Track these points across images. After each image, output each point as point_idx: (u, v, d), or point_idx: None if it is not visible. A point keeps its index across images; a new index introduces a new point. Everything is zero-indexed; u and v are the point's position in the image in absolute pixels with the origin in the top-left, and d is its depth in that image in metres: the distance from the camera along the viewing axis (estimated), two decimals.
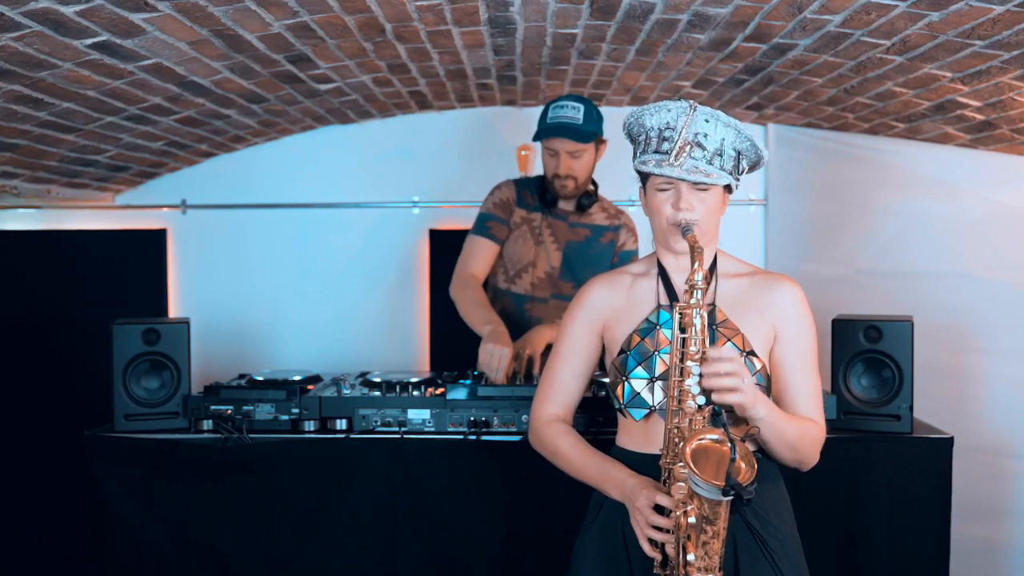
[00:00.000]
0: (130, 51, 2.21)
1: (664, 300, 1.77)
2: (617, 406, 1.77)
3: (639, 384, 1.73)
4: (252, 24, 2.21)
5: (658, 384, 1.71)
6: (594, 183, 2.90)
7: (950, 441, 2.32)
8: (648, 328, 1.76)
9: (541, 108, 3.73)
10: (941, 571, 2.31)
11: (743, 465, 1.47)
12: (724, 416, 1.53)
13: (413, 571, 2.35)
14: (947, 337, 3.08)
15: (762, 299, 1.76)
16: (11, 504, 3.59)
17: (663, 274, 1.79)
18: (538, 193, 2.88)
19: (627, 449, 1.79)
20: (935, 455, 2.31)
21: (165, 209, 3.78)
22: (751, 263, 1.85)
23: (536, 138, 2.78)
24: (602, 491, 1.75)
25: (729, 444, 1.47)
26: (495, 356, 2.46)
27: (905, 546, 2.30)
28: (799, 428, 1.70)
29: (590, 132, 2.74)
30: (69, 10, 1.88)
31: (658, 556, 1.61)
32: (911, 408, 2.33)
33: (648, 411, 1.72)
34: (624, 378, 1.74)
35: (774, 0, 2.14)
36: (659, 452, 1.65)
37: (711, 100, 3.31)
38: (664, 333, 1.74)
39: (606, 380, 1.85)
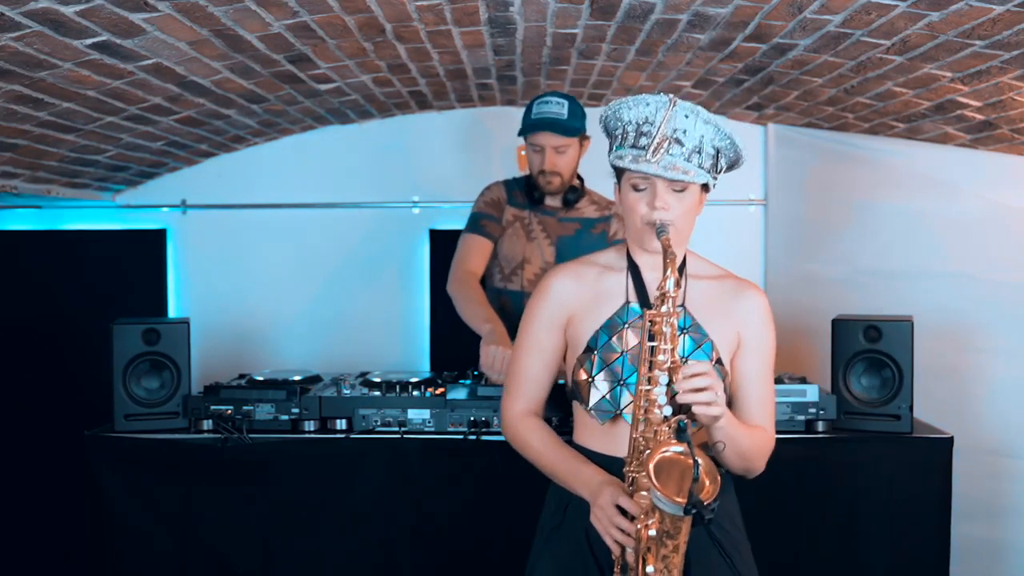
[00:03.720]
0: (130, 51, 2.21)
1: (632, 297, 1.73)
2: (584, 407, 1.73)
3: (605, 386, 1.69)
4: (252, 24, 2.21)
5: (625, 387, 1.68)
6: (580, 178, 2.92)
7: (950, 441, 2.32)
8: (616, 326, 1.72)
9: None
10: (941, 571, 2.31)
11: (707, 481, 1.46)
12: (689, 432, 1.51)
13: (413, 571, 2.35)
14: (947, 337, 3.08)
15: (730, 304, 1.74)
16: (11, 504, 3.59)
17: (634, 270, 1.75)
18: (525, 191, 2.90)
19: (588, 448, 1.76)
20: (935, 455, 2.31)
21: (165, 209, 3.78)
22: (719, 265, 1.82)
23: (521, 133, 2.79)
24: (570, 488, 1.72)
25: (692, 461, 1.46)
26: (497, 357, 2.46)
27: (905, 546, 2.30)
28: (752, 438, 1.68)
29: (574, 127, 2.76)
30: (69, 10, 1.88)
31: (617, 550, 1.59)
32: (911, 408, 2.33)
33: (614, 415, 1.69)
34: (590, 379, 1.70)
35: (774, 0, 2.14)
36: (622, 456, 1.63)
37: (711, 100, 3.31)
38: (631, 333, 1.70)
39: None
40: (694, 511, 1.42)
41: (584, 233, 2.91)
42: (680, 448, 1.51)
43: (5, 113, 2.45)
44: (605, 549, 1.62)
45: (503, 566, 2.34)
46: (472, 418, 2.35)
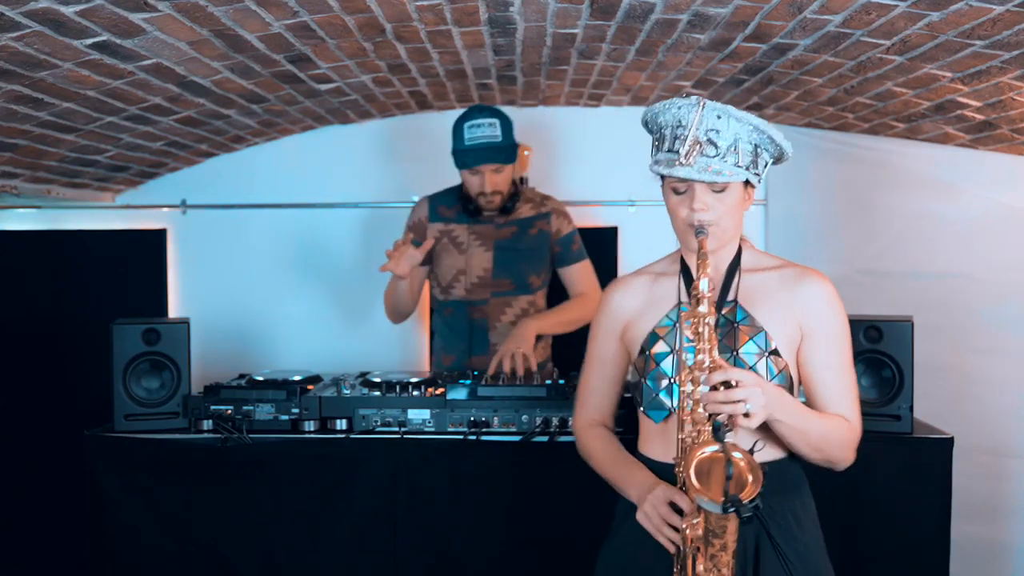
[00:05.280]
0: (130, 51, 2.21)
1: (685, 298, 1.73)
2: (639, 408, 1.75)
3: (657, 385, 1.69)
4: (252, 24, 2.21)
5: (676, 385, 1.67)
6: (514, 183, 2.92)
7: (950, 441, 2.32)
8: (667, 326, 1.72)
9: (541, 109, 3.74)
10: (941, 571, 2.31)
11: (748, 479, 1.45)
12: (723, 431, 1.51)
13: (413, 571, 2.35)
14: (947, 337, 3.08)
15: (788, 294, 1.71)
16: (11, 504, 3.59)
17: (686, 273, 1.76)
18: (459, 204, 2.90)
19: (647, 457, 1.76)
20: (935, 455, 2.31)
21: (165, 209, 3.78)
22: (780, 256, 1.82)
23: (460, 165, 2.77)
24: (623, 493, 1.72)
25: (727, 465, 1.46)
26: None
27: (905, 546, 2.30)
28: (824, 427, 1.65)
29: (512, 147, 2.76)
30: (69, 10, 1.88)
31: (671, 547, 1.59)
32: (911, 408, 2.32)
33: (668, 413, 1.69)
34: (643, 379, 1.71)
35: (774, 0, 2.14)
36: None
37: (711, 100, 3.30)
38: (682, 333, 1.70)
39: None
40: (732, 509, 1.42)
41: (522, 235, 2.92)
42: (717, 447, 1.51)
43: (5, 113, 2.45)
44: (659, 552, 1.61)
45: (504, 566, 2.34)
46: (472, 418, 2.35)
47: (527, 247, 2.92)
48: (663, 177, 1.69)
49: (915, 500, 2.30)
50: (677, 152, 1.61)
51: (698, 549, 1.54)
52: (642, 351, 1.74)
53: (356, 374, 2.77)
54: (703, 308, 1.57)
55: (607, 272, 3.60)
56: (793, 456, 1.71)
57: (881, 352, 2.33)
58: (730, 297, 1.70)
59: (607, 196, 3.61)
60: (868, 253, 3.37)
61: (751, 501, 1.43)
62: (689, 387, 1.58)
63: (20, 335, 3.68)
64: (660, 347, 1.71)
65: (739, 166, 1.62)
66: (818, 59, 2.58)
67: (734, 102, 3.30)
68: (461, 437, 2.34)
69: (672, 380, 1.68)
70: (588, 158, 3.64)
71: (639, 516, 1.61)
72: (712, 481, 1.48)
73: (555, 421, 2.32)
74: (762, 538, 1.65)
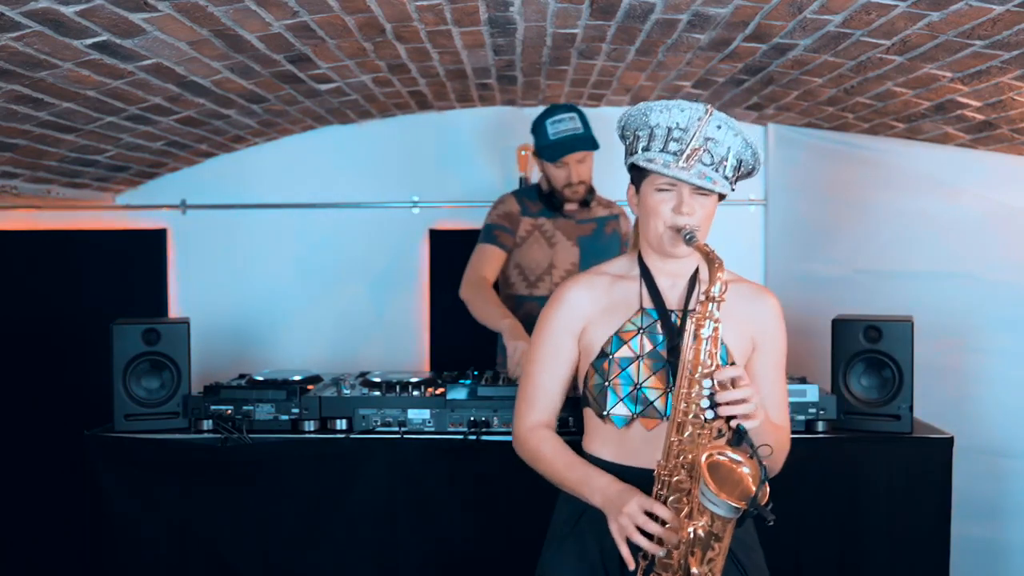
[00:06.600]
0: (130, 51, 2.21)
1: (647, 303, 1.73)
2: (599, 413, 1.72)
3: (622, 391, 1.69)
4: (252, 24, 2.21)
5: (643, 391, 1.68)
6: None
7: (950, 441, 2.32)
8: (631, 331, 1.71)
9: (541, 108, 3.74)
10: (941, 571, 2.31)
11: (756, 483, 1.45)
12: (747, 436, 1.49)
13: (412, 570, 2.35)
14: (947, 337, 3.08)
15: (743, 309, 1.73)
16: (11, 504, 3.59)
17: (647, 275, 1.75)
18: (542, 200, 2.98)
19: (600, 458, 1.74)
20: (935, 455, 2.31)
21: (165, 209, 3.78)
22: (729, 270, 1.83)
23: (550, 158, 2.87)
24: (581, 496, 1.69)
25: (760, 468, 1.44)
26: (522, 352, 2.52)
27: (905, 546, 2.30)
28: (778, 438, 1.70)
29: (592, 136, 2.87)
30: (69, 10, 1.88)
31: (631, 563, 1.56)
32: (911, 408, 2.33)
33: (630, 419, 1.69)
34: (607, 383, 1.70)
35: (774, 0, 2.14)
36: (633, 466, 1.65)
37: (711, 100, 3.31)
38: (647, 338, 1.70)
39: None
40: (755, 513, 1.41)
41: (600, 232, 3.02)
42: (733, 454, 1.49)
43: (5, 113, 2.45)
44: (620, 560, 1.59)
45: (503, 566, 2.34)
46: (472, 418, 2.35)
47: (605, 244, 3.01)
48: (642, 176, 1.69)
49: (915, 500, 2.30)
50: (674, 154, 1.61)
51: (692, 553, 1.52)
52: (603, 355, 1.72)
53: (356, 374, 2.77)
54: (715, 311, 1.57)
55: None
56: None
57: (881, 352, 2.33)
58: (691, 306, 1.70)
59: (607, 196, 3.60)
60: (868, 253, 3.37)
61: (767, 505, 1.42)
62: (686, 389, 1.57)
63: (20, 335, 3.68)
64: (624, 352, 1.70)
65: (726, 178, 1.64)
66: (818, 59, 2.58)
67: (734, 102, 3.30)
68: (461, 437, 2.34)
69: (637, 386, 1.68)
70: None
71: (612, 527, 1.58)
72: (723, 485, 1.46)
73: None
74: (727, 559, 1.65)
